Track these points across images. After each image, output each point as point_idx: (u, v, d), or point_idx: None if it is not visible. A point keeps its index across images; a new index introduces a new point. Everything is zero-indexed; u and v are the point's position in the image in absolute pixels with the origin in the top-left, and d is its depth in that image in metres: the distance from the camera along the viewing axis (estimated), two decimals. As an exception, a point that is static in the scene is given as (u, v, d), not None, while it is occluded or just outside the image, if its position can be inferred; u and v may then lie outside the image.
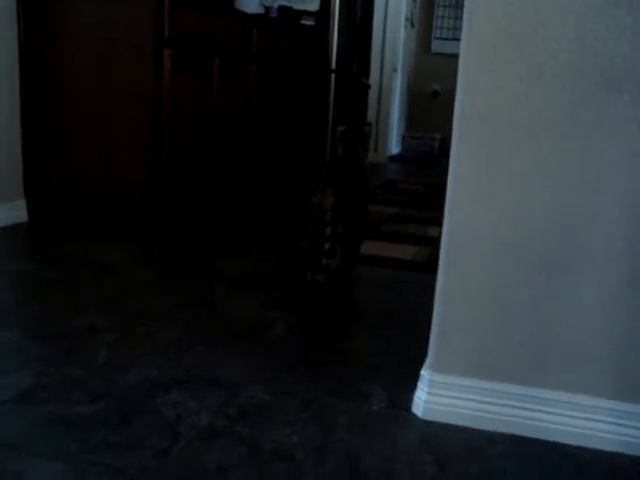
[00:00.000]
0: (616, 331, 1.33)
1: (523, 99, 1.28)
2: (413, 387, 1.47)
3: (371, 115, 5.98)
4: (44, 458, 1.21)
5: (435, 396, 1.40)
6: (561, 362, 1.35)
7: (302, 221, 3.41)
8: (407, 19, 7.58)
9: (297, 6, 4.43)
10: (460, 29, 1.35)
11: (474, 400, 1.39)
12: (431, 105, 8.39)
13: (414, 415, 1.43)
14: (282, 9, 4.40)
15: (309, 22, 4.42)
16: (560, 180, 1.29)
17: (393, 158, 7.44)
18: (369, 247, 2.81)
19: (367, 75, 5.32)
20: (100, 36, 2.80)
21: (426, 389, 1.41)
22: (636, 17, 1.22)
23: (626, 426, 1.34)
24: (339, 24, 4.38)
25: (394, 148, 7.79)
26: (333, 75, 4.35)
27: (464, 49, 1.31)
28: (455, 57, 1.39)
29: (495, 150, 1.31)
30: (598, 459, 1.33)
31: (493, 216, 1.33)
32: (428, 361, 1.43)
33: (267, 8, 4.45)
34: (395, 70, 7.31)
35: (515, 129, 1.30)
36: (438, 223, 1.63)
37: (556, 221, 1.31)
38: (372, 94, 5.90)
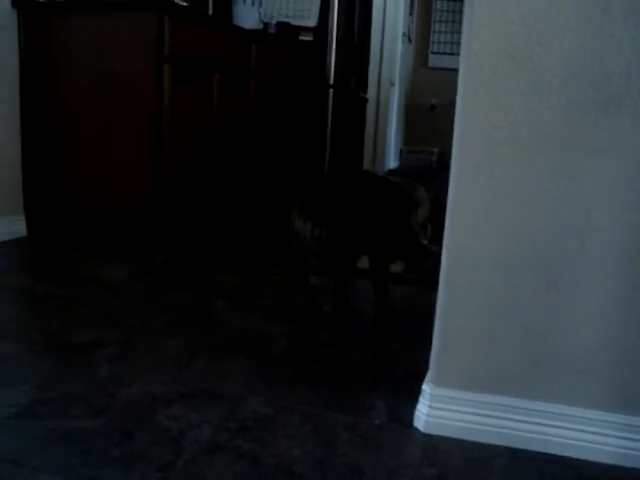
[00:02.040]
0: (615, 344, 1.34)
1: (522, 115, 1.30)
2: (415, 401, 1.47)
3: (369, 129, 6.01)
4: (46, 473, 1.21)
5: (436, 410, 1.41)
6: (561, 375, 1.36)
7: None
8: (404, 34, 7.64)
9: (295, 22, 4.46)
10: (457, 44, 1.37)
11: (475, 413, 1.39)
12: (429, 119, 8.44)
13: (416, 429, 1.44)
14: (280, 25, 4.42)
15: (307, 38, 4.44)
16: (560, 194, 1.30)
17: (391, 172, 7.46)
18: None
19: (365, 89, 5.36)
20: (101, 52, 2.82)
21: (427, 403, 1.42)
22: (632, 33, 1.23)
23: (626, 438, 1.34)
24: (337, 40, 4.42)
25: (392, 162, 7.81)
26: (331, 90, 4.38)
27: (463, 67, 1.33)
28: (452, 71, 1.40)
29: (496, 166, 1.32)
30: (598, 471, 1.33)
31: (493, 230, 1.34)
32: (429, 375, 1.44)
33: (266, 24, 4.48)
34: (393, 84, 7.35)
35: (515, 145, 1.31)
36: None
37: (556, 235, 1.32)
38: (370, 108, 5.93)
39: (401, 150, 8.20)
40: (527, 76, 1.28)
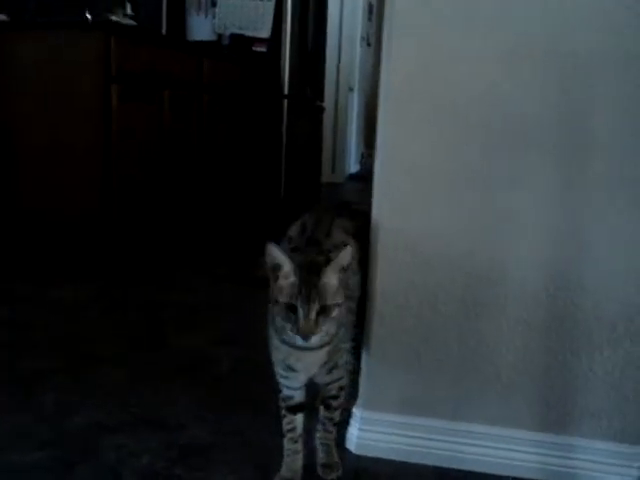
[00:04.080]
0: (537, 366, 1.41)
1: (440, 150, 1.37)
2: (347, 423, 1.53)
3: (327, 136, 6.07)
4: (-16, 511, 1.24)
5: (366, 432, 1.47)
6: (485, 397, 1.43)
7: (254, 248, 3.45)
8: (363, 38, 7.71)
9: (249, 33, 4.49)
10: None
11: (403, 435, 1.45)
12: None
13: (348, 450, 1.50)
14: (234, 36, 4.45)
15: (261, 49, 4.48)
16: (473, 228, 1.38)
17: (352, 177, 7.52)
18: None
19: (321, 98, 5.41)
20: (47, 72, 2.83)
21: (358, 425, 1.48)
22: (539, 78, 1.31)
23: (548, 455, 1.42)
24: (290, 50, 4.46)
25: (353, 167, 7.88)
26: (285, 100, 4.43)
27: (383, 95, 1.39)
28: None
29: (414, 198, 1.39)
30: (521, 487, 1.41)
31: (416, 259, 1.40)
32: (359, 399, 1.50)
33: (220, 35, 4.50)
34: (352, 89, 7.42)
35: (434, 178, 1.38)
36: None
37: (476, 265, 1.39)
38: (328, 115, 5.98)
39: (362, 154, 8.27)
40: (445, 114, 1.35)
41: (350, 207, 1.56)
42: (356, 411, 1.50)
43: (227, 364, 1.97)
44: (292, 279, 1.16)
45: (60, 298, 2.52)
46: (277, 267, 1.17)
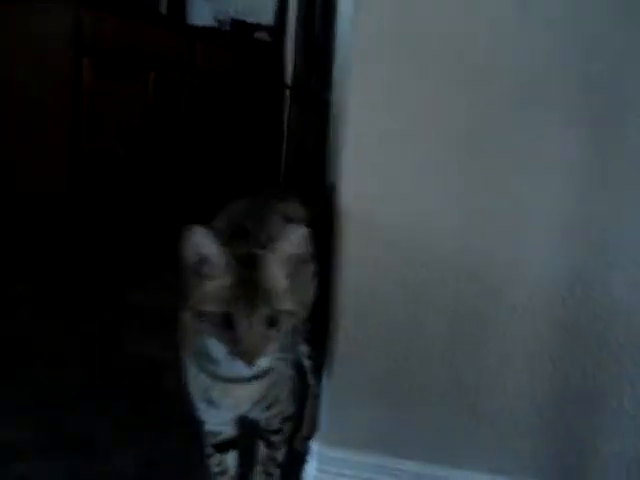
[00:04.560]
0: (546, 398, 1.08)
1: (424, 111, 1.05)
2: (305, 460, 1.21)
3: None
4: None
5: (326, 473, 1.15)
6: (478, 437, 1.10)
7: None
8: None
9: (250, 19, 4.22)
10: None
11: (371, 479, 1.13)
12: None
13: (304, 494, 1.18)
14: (235, 22, 4.17)
15: (263, 36, 4.20)
16: (470, 217, 1.05)
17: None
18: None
19: (328, 92, 5.11)
20: (16, 40, 2.56)
21: (316, 464, 1.16)
22: (549, 27, 0.99)
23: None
24: (295, 39, 4.18)
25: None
26: (288, 91, 4.13)
27: (355, 45, 1.06)
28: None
29: (392, 177, 1.07)
30: None
31: (394, 255, 1.08)
32: (319, 432, 1.18)
33: (220, 21, 4.22)
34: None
35: (414, 147, 1.06)
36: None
37: (473, 265, 1.07)
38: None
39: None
40: (431, 62, 1.03)
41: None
42: (314, 446, 1.17)
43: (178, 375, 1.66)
44: (226, 279, 0.83)
45: (12, 290, 2.22)
46: (203, 262, 0.84)
